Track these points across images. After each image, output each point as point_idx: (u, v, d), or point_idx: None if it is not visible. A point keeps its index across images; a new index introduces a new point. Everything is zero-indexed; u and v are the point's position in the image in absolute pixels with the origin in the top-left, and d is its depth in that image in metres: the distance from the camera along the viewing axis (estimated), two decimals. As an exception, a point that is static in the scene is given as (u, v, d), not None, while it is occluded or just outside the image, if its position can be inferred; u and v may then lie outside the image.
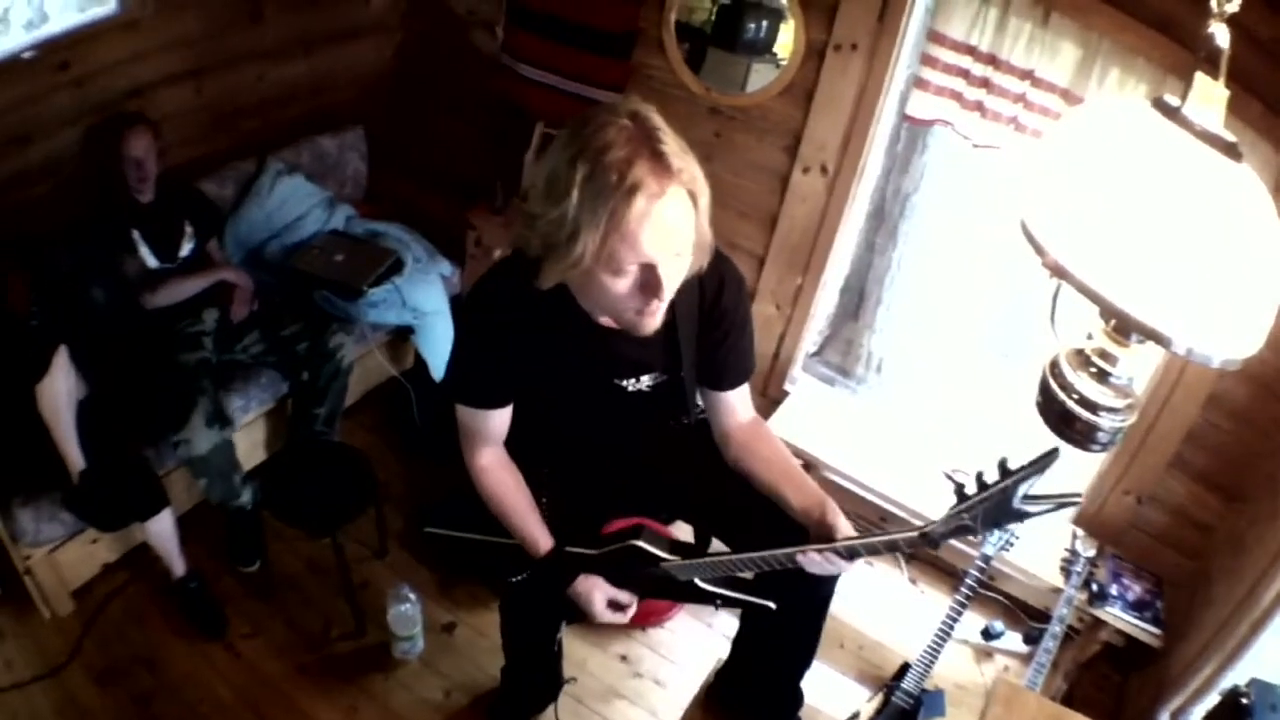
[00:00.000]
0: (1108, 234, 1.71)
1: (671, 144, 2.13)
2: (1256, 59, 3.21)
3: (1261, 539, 3.64)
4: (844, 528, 2.50)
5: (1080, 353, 2.03)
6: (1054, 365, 2.09)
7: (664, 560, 2.78)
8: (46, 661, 4.00)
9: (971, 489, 2.07)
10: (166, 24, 4.60)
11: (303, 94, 5.61)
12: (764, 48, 4.57)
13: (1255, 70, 3.20)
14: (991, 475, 2.02)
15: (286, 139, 5.43)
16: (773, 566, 2.59)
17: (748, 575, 2.78)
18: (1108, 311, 1.74)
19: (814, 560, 2.46)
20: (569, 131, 2.15)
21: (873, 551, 2.36)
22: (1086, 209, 1.76)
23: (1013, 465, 1.97)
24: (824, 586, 3.05)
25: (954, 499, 2.11)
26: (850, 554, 2.42)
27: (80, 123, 4.42)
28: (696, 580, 2.83)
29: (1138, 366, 2.00)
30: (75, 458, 3.81)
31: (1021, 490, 1.96)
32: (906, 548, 2.29)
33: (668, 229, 2.17)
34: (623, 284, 2.24)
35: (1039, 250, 1.82)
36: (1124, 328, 1.89)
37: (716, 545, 2.94)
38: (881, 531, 2.34)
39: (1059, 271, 1.77)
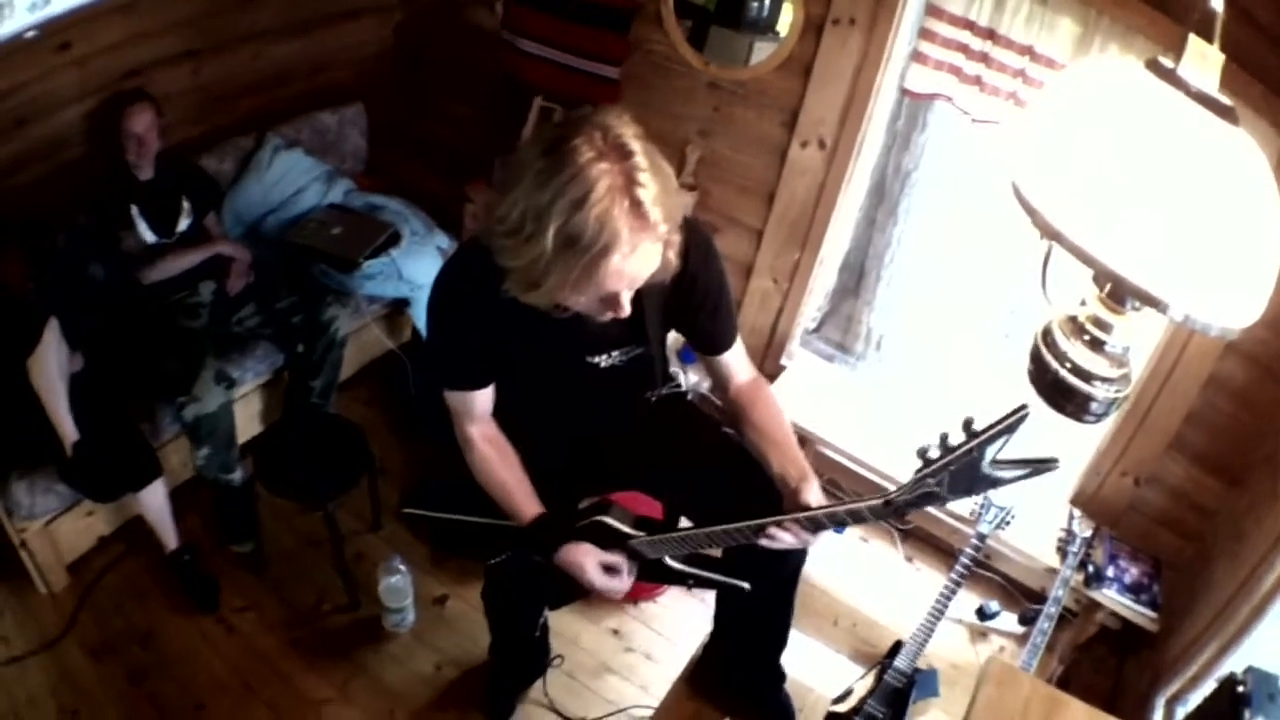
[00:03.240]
0: (1101, 195, 1.68)
1: (650, 185, 2.09)
2: (1256, 40, 3.19)
3: (1261, 523, 3.61)
4: (813, 501, 2.48)
5: (1074, 320, 2.01)
6: (1046, 333, 2.06)
7: (631, 536, 2.76)
8: (42, 636, 4.01)
9: (936, 452, 1.99)
10: (164, 4, 4.58)
11: (302, 73, 5.59)
12: (767, 25, 4.55)
13: (1255, 51, 3.18)
14: (957, 437, 1.94)
15: (288, 117, 5.43)
16: (735, 541, 2.58)
17: (715, 553, 2.77)
18: (1102, 275, 1.72)
19: (775, 534, 2.45)
20: (548, 162, 2.06)
21: (837, 522, 2.34)
22: (1079, 170, 1.74)
23: (979, 426, 1.90)
24: (789, 563, 3.06)
25: (920, 464, 2.04)
26: (814, 526, 2.41)
27: (81, 103, 4.41)
28: (666, 559, 2.81)
29: (1133, 335, 1.97)
30: (69, 429, 3.79)
31: (990, 453, 1.88)
32: (871, 516, 2.23)
33: (635, 274, 2.21)
34: (585, 300, 2.27)
35: (1030, 212, 1.79)
36: (1119, 293, 1.87)
37: (685, 525, 2.90)
38: (847, 501, 2.28)
39: (1051, 234, 1.74)
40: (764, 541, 2.49)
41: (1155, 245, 1.65)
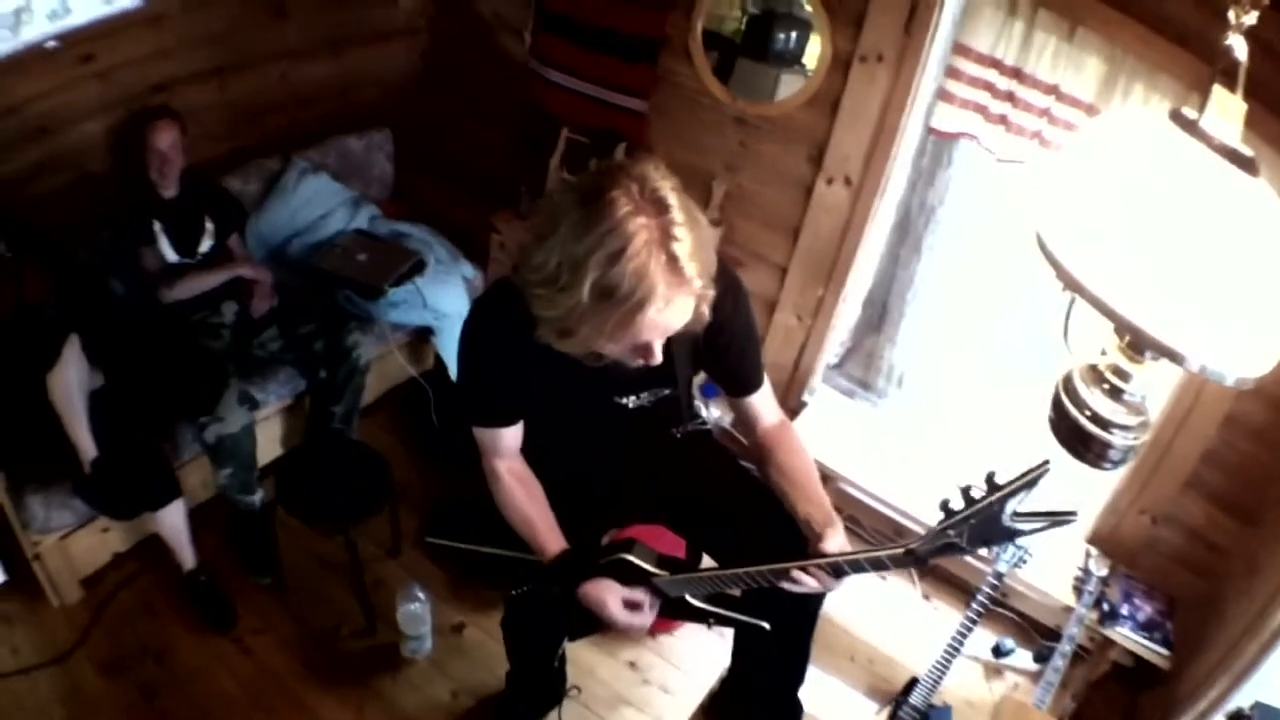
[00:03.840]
0: (1122, 248, 1.70)
1: (686, 240, 2.10)
2: (1275, 74, 3.18)
3: (1275, 560, 3.62)
4: (836, 547, 2.47)
5: (1094, 369, 2.02)
6: (1067, 381, 2.08)
7: (653, 575, 2.76)
8: (53, 649, 4.01)
9: (958, 504, 1.99)
10: (191, 20, 4.62)
11: (329, 94, 5.62)
12: (793, 59, 4.56)
13: (1274, 86, 3.17)
14: (979, 490, 1.94)
15: (313, 138, 5.44)
16: (757, 584, 2.58)
17: (736, 592, 2.77)
18: (1122, 327, 1.73)
19: (798, 578, 2.45)
20: (584, 213, 2.08)
21: (858, 569, 2.32)
22: (1101, 223, 1.75)
23: (1001, 479, 1.91)
24: (809, 604, 3.04)
25: (943, 515, 2.04)
26: (836, 572, 2.41)
27: (103, 116, 4.44)
28: (687, 597, 2.80)
29: (1152, 383, 1.99)
30: (87, 446, 3.82)
31: (1011, 506, 1.89)
32: (893, 565, 2.23)
33: (669, 325, 2.23)
34: (618, 349, 2.29)
35: (1053, 264, 1.81)
36: (1138, 344, 1.88)
37: (708, 563, 2.91)
38: (869, 549, 2.29)
39: (1073, 285, 1.76)
40: (785, 585, 2.49)
41: (1173, 298, 1.66)
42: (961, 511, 1.97)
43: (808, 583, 2.45)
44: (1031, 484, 1.84)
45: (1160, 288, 1.66)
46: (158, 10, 4.45)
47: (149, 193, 4.37)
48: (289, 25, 5.13)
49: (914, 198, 4.83)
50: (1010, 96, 4.05)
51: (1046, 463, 1.82)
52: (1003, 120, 4.12)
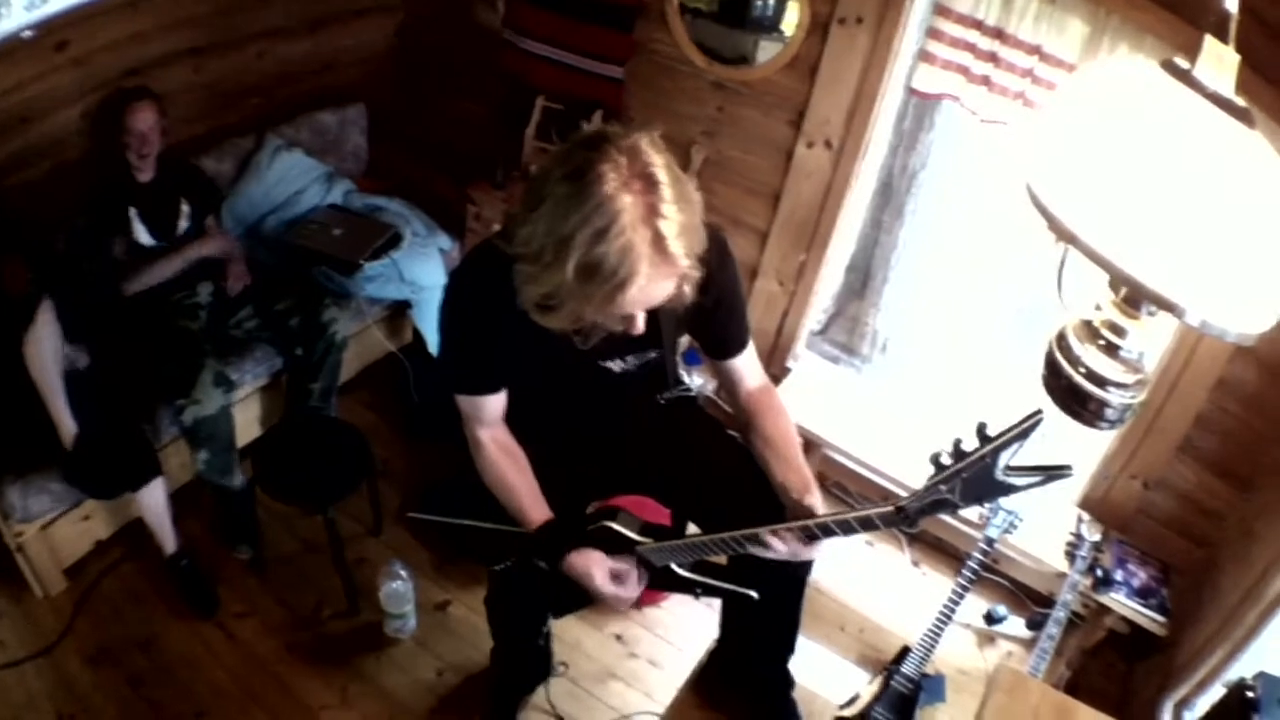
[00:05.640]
0: (1117, 198, 1.65)
1: (674, 219, 2.06)
2: (1268, 44, 3.14)
3: (1271, 527, 3.59)
4: (816, 511, 2.44)
5: (1088, 325, 1.97)
6: (1060, 338, 2.02)
7: (637, 543, 2.72)
8: (40, 640, 3.99)
9: (948, 459, 1.93)
10: (167, 2, 4.56)
11: (305, 72, 5.57)
12: (771, 25, 4.51)
13: (1269, 56, 3.13)
14: (970, 443, 1.87)
15: (288, 116, 5.41)
16: (735, 549, 2.54)
17: (722, 560, 2.73)
18: (1118, 279, 1.68)
19: (770, 543, 2.42)
20: (571, 189, 2.03)
21: (847, 530, 2.27)
22: (1094, 172, 1.71)
23: (992, 432, 1.84)
24: (796, 572, 3.03)
25: (932, 471, 1.98)
26: (809, 537, 2.37)
27: (80, 102, 4.40)
28: (673, 566, 2.77)
29: (1148, 341, 1.94)
30: (67, 423, 3.81)
31: (1003, 460, 1.82)
32: (883, 525, 2.16)
33: (652, 300, 2.20)
34: (601, 320, 2.26)
35: (1045, 215, 1.75)
36: (1135, 297, 1.83)
37: (694, 531, 2.85)
38: (858, 509, 2.23)
39: (1067, 237, 1.70)
40: (758, 550, 2.45)
41: (1172, 249, 1.61)
42: (953, 465, 1.91)
43: (779, 548, 2.42)
44: (1024, 435, 1.77)
45: (1157, 238, 1.61)
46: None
47: (125, 176, 4.32)
48: (265, 5, 5.08)
49: (896, 162, 4.79)
50: (993, 57, 4.03)
51: (1039, 413, 1.75)
52: (985, 81, 4.09)
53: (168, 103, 4.40)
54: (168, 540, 4.17)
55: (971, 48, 4.06)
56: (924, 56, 4.21)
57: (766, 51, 4.56)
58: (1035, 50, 3.91)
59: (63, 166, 4.42)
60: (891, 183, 4.85)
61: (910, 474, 4.45)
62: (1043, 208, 1.77)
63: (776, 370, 5.10)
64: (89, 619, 4.10)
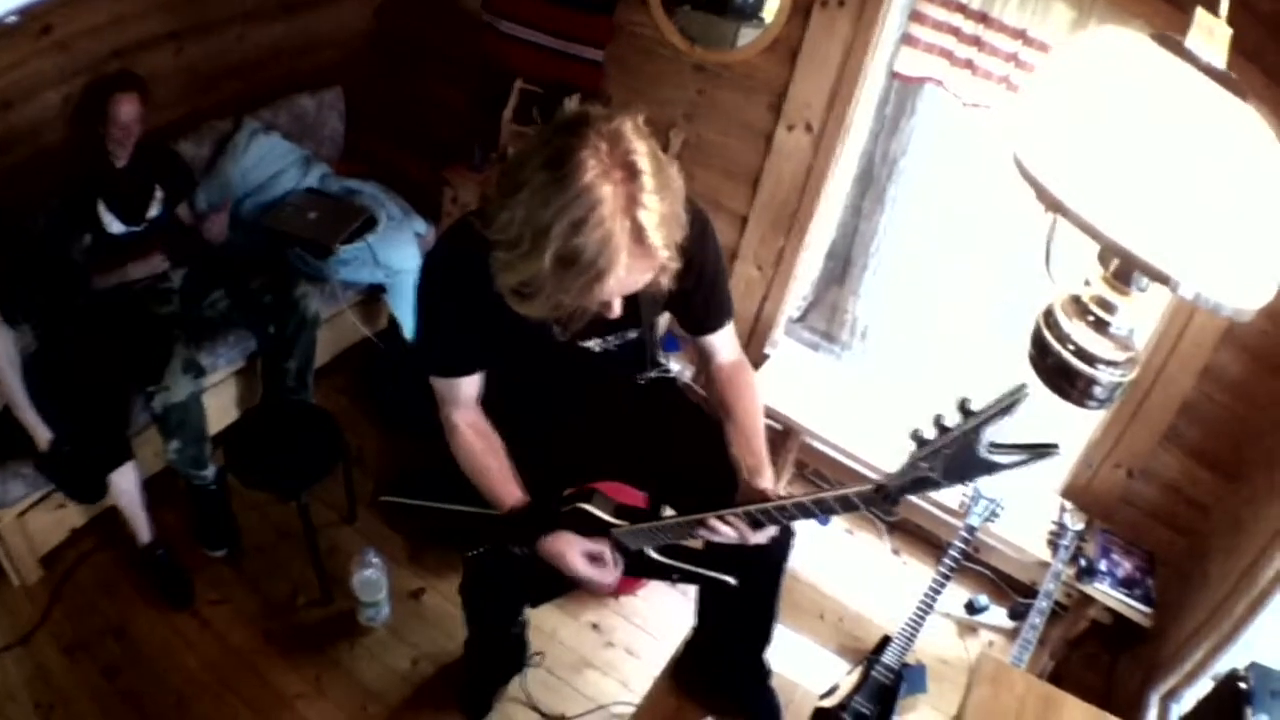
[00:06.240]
0: (1108, 165, 1.61)
1: (655, 209, 2.01)
2: (1258, 31, 3.18)
3: (1259, 517, 3.58)
4: (767, 494, 2.43)
5: (1077, 301, 1.93)
6: (1048, 315, 1.98)
7: (611, 525, 2.69)
8: (16, 630, 3.96)
9: (931, 434, 1.86)
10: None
11: (284, 55, 5.53)
12: (752, 12, 4.50)
13: (1257, 42, 3.17)
14: (952, 419, 1.81)
15: (267, 100, 5.37)
16: (689, 533, 2.53)
17: (696, 544, 2.69)
18: (1109, 250, 1.63)
19: (720, 529, 2.41)
20: (550, 176, 1.97)
21: (825, 510, 2.22)
22: (1085, 139, 1.66)
23: (975, 407, 1.77)
24: (773, 556, 3.00)
25: (914, 447, 1.92)
26: (754, 522, 2.36)
27: (63, 85, 4.36)
28: (648, 551, 2.74)
29: (1139, 318, 1.89)
30: (39, 429, 3.78)
31: (986, 436, 1.76)
32: (862, 504, 2.11)
33: (631, 287, 2.16)
34: (579, 305, 2.18)
35: (1034, 185, 1.71)
36: (1125, 271, 1.79)
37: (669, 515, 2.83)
38: (836, 488, 2.18)
39: (1055, 206, 1.65)
40: (704, 534, 2.45)
41: (1164, 219, 1.57)
42: (935, 441, 1.85)
43: (725, 533, 2.40)
44: (1008, 410, 1.71)
45: (1149, 207, 1.57)
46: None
47: (102, 161, 4.26)
48: None
49: (877, 148, 4.78)
50: (976, 41, 4.04)
51: (1024, 386, 1.70)
52: (969, 65, 4.09)
53: (150, 86, 4.35)
54: (142, 529, 4.13)
55: (955, 31, 4.06)
56: (907, 40, 4.20)
57: (746, 39, 4.55)
58: (1020, 34, 3.91)
59: (44, 151, 4.38)
60: (872, 169, 4.83)
61: (889, 461, 4.39)
62: (1030, 177, 1.72)
63: (755, 356, 5.05)
64: (64, 608, 4.07)
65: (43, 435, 3.77)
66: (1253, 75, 3.23)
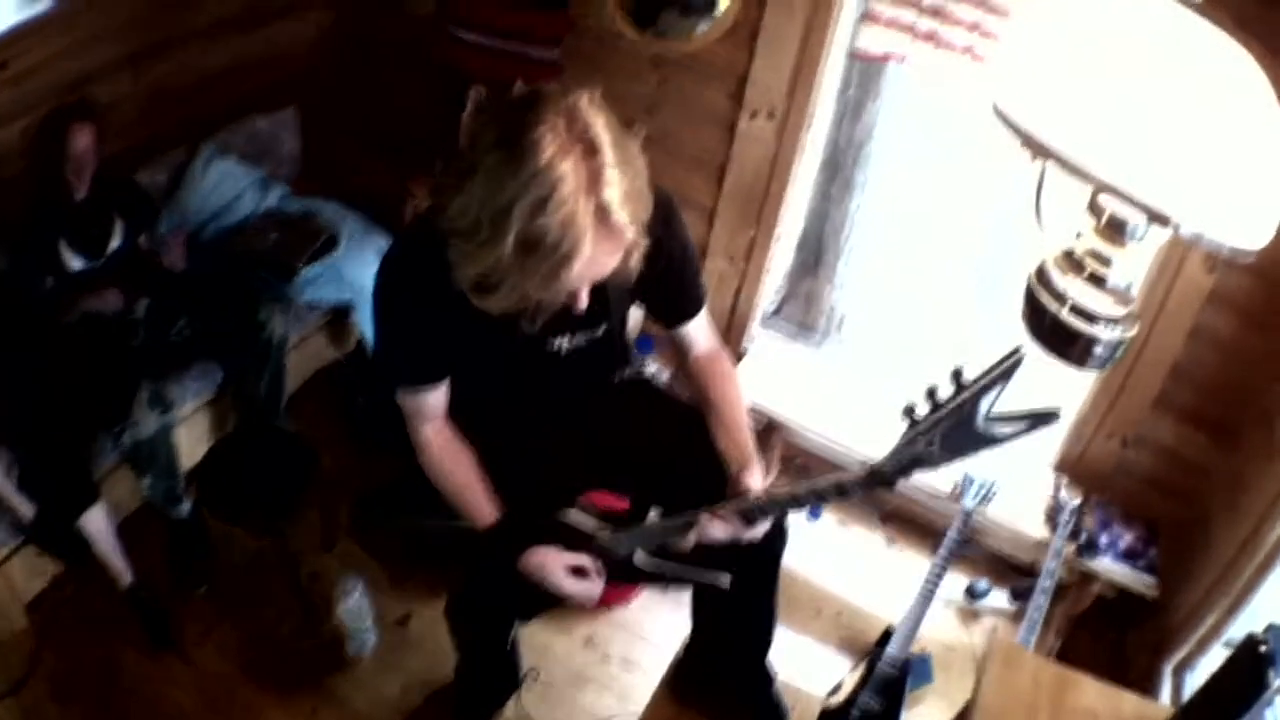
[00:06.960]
0: (1101, 104, 1.55)
1: (618, 185, 1.93)
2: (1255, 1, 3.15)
3: (1261, 476, 3.55)
4: (755, 487, 2.37)
5: (1070, 255, 1.84)
6: (1040, 272, 1.89)
7: (596, 534, 2.62)
8: (7, 681, 3.88)
9: (924, 410, 1.79)
10: (101, 13, 4.48)
11: (240, 71, 5.48)
12: (707, 6, 4.44)
13: (1254, 11, 3.10)
14: (946, 391, 1.74)
15: (224, 121, 5.33)
16: (683, 534, 2.46)
17: (686, 547, 2.60)
18: (1105, 191, 1.55)
19: (712, 528, 2.34)
20: (505, 155, 1.89)
21: (820, 499, 2.18)
22: (1074, 80, 1.59)
23: (969, 376, 1.71)
24: (767, 551, 2.87)
25: (908, 424, 1.84)
26: (747, 518, 2.30)
27: (19, 120, 4.29)
28: (636, 555, 2.66)
29: (1136, 270, 1.81)
30: (23, 508, 3.74)
31: (984, 406, 1.68)
32: (856, 490, 2.05)
33: (598, 274, 2.10)
34: (546, 295, 2.10)
35: (1018, 132, 1.62)
36: (1120, 219, 1.70)
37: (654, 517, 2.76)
38: (828, 475, 2.09)
39: (1042, 152, 1.57)
40: (694, 534, 2.39)
41: (1160, 155, 1.49)
42: (930, 416, 1.77)
43: (718, 531, 2.34)
44: (1006, 376, 1.64)
45: (1145, 146, 1.50)
46: (68, 8, 4.33)
47: (62, 195, 4.20)
48: (197, 7, 4.99)
49: (841, 133, 4.74)
50: (937, 13, 3.99)
51: (1019, 350, 1.61)
52: (931, 37, 4.06)
53: (109, 113, 4.33)
54: (122, 572, 4.05)
55: (916, 4, 4.01)
56: (867, 17, 4.15)
57: (702, 29, 4.50)
58: (981, 3, 3.86)
59: (4, 184, 4.30)
60: (837, 154, 4.79)
61: (877, 448, 4.33)
62: (1014, 126, 1.64)
63: (732, 352, 4.96)
64: (53, 654, 4.00)
65: (26, 513, 3.73)
66: (1251, 46, 3.19)
